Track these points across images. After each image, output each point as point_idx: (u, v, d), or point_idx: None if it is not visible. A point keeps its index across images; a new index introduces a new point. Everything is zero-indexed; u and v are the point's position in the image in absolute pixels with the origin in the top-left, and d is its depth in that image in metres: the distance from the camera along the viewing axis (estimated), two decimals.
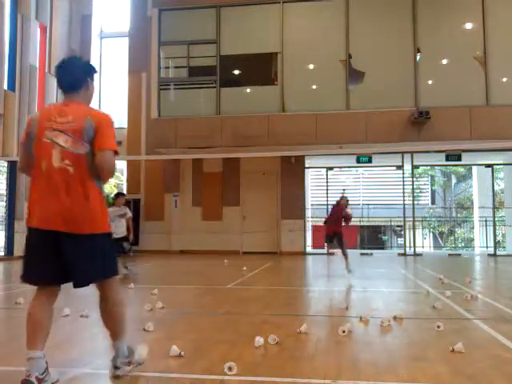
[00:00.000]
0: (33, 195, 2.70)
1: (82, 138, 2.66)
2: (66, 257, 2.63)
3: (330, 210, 9.23)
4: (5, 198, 13.14)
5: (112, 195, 12.55)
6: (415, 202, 15.42)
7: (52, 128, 2.68)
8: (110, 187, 22.00)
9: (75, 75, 2.87)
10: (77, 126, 2.67)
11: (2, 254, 12.91)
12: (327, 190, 15.27)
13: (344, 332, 3.79)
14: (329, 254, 8.89)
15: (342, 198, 8.68)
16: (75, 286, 2.70)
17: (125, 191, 15.76)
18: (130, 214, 8.70)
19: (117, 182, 22.84)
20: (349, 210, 8.64)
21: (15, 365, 2.90)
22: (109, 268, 2.80)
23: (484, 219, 17.32)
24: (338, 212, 8.58)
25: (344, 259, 8.18)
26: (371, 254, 15.35)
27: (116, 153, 2.75)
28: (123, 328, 2.87)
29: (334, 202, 9.04)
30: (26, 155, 2.78)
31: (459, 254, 15.30)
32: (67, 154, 2.64)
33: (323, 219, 9.31)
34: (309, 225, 16.48)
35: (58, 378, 2.69)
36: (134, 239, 14.55)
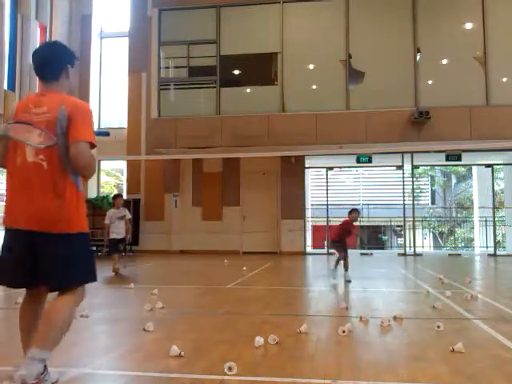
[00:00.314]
0: (8, 193, 2.56)
1: (54, 129, 2.48)
2: (41, 258, 2.47)
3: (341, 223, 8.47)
4: (5, 198, 13.14)
5: (111, 196, 12.55)
6: (415, 202, 15.41)
7: (27, 120, 2.50)
8: (109, 187, 22.01)
9: (54, 62, 2.67)
10: (51, 118, 2.50)
11: None
12: (327, 190, 15.27)
13: (344, 332, 3.79)
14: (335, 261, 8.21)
15: (353, 211, 8.17)
16: (51, 290, 2.53)
17: (125, 191, 15.78)
18: (129, 216, 8.76)
19: (117, 182, 22.85)
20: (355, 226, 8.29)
21: (15, 365, 2.89)
22: (87, 273, 2.60)
23: (484, 219, 17.32)
24: (347, 226, 8.08)
25: (344, 269, 7.80)
26: (371, 253, 15.34)
27: (92, 145, 2.52)
28: (57, 342, 2.47)
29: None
30: (2, 148, 2.62)
31: (459, 254, 15.30)
32: (41, 149, 2.47)
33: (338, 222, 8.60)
34: (309, 225, 16.48)
35: (57, 378, 2.68)
36: (134, 239, 14.57)
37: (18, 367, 2.40)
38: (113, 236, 8.49)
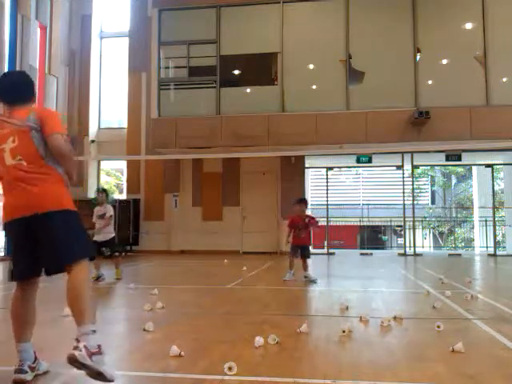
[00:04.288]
0: (3, 195, 2.81)
1: (29, 131, 2.75)
2: (40, 240, 2.68)
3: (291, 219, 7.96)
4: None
5: (110, 196, 12.46)
6: (415, 202, 15.41)
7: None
8: (109, 187, 22.00)
9: (30, 88, 2.97)
10: (24, 126, 2.76)
11: (2, 254, 12.91)
12: (327, 189, 15.26)
13: (344, 332, 3.78)
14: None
15: (298, 202, 7.70)
16: (49, 273, 2.77)
17: (125, 191, 15.78)
18: (110, 213, 7.80)
19: (117, 182, 22.85)
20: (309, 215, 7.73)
21: (15, 364, 2.89)
22: (86, 247, 2.84)
23: (484, 219, 17.31)
24: (300, 221, 7.73)
25: (304, 269, 7.63)
26: (371, 253, 15.33)
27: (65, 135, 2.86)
28: (90, 310, 2.73)
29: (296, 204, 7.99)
30: None
31: (459, 254, 15.30)
32: (16, 151, 2.74)
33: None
34: None
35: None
36: (134, 239, 14.58)
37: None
38: (94, 238, 7.65)
